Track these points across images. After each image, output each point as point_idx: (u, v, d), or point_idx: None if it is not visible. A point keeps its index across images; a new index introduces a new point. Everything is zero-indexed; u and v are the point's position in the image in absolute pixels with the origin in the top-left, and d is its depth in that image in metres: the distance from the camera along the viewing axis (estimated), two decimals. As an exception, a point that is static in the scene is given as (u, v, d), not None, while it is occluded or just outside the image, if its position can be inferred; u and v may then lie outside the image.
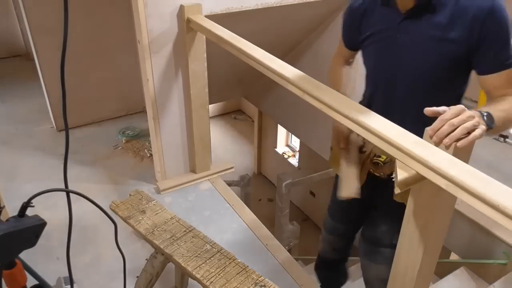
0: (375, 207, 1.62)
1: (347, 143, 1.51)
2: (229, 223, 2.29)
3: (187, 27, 2.07)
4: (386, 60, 1.38)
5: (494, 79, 1.23)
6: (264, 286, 1.47)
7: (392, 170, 1.35)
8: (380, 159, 1.46)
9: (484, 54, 1.21)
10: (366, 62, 1.49)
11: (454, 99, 1.35)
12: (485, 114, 1.07)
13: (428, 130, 1.04)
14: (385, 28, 1.35)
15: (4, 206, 1.16)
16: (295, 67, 1.48)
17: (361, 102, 1.42)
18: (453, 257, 2.55)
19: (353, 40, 1.52)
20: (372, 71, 1.49)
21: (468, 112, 1.02)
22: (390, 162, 1.42)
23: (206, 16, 2.06)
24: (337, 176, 1.62)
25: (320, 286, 2.09)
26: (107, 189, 2.57)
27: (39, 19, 2.73)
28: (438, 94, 1.33)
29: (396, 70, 1.35)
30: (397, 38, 1.31)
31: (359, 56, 1.54)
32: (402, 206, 1.19)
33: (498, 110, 1.12)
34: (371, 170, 1.50)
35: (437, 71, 1.28)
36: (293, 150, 6.58)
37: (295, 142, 6.42)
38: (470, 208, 0.92)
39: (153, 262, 1.72)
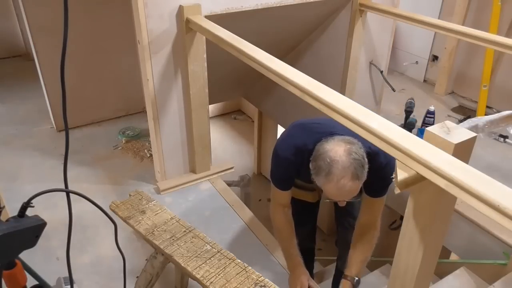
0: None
1: None
2: (229, 223, 2.29)
3: (186, 27, 2.06)
4: None
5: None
6: (264, 286, 1.47)
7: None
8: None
9: None
10: None
11: None
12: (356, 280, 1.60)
13: None
14: None
15: (4, 207, 1.16)
16: (295, 67, 1.48)
17: None
18: (453, 257, 2.55)
19: (292, 181, 1.71)
20: None
21: None
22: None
23: (206, 17, 2.06)
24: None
25: None
26: (107, 189, 2.56)
27: (39, 19, 2.73)
28: None
29: None
30: None
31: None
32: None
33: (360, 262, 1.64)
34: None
35: None
36: (293, 150, 6.53)
37: (295, 142, 6.36)
38: (470, 208, 0.92)
39: (153, 262, 1.72)
